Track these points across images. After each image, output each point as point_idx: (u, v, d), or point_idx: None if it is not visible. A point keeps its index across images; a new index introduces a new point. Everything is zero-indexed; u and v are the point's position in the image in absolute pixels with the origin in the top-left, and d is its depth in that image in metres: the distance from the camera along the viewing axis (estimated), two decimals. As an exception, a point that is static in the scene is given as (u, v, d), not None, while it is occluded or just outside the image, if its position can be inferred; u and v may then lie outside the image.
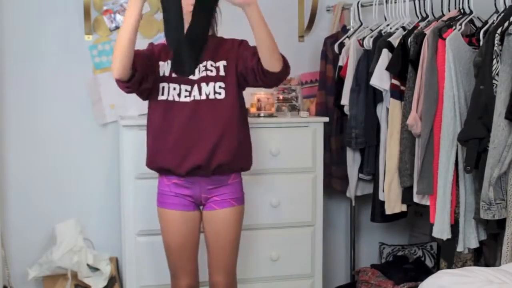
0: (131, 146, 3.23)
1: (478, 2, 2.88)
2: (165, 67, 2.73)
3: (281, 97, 3.62)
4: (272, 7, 3.72)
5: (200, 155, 2.68)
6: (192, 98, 2.69)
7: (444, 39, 2.78)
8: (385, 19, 3.40)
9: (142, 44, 3.51)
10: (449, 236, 2.85)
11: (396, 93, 3.11)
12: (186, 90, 2.69)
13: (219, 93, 2.70)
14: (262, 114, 3.45)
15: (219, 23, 2.84)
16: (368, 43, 3.36)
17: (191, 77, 2.68)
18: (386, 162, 3.19)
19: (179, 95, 2.69)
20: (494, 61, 2.56)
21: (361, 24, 3.58)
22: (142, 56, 2.68)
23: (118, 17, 3.52)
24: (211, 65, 2.71)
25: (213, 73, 2.70)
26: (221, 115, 2.69)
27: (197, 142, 2.68)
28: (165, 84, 2.71)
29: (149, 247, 3.28)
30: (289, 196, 3.43)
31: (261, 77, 2.65)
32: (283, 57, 2.69)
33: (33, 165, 3.50)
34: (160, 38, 3.56)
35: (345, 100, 3.43)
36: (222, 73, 2.71)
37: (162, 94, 2.71)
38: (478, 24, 2.89)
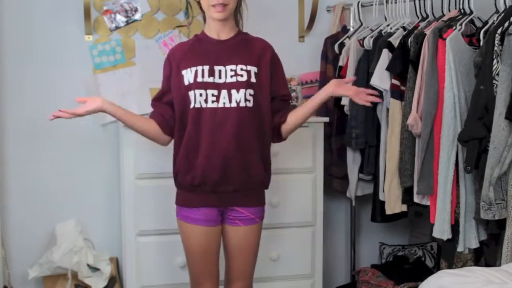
0: (131, 146, 3.23)
1: (478, 2, 2.88)
2: (188, 74, 2.63)
3: (281, 97, 3.62)
4: (272, 7, 3.73)
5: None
6: (221, 104, 2.60)
7: (445, 39, 2.78)
8: (385, 19, 3.40)
9: (143, 44, 3.55)
10: (449, 236, 2.85)
11: (396, 93, 3.11)
12: (213, 95, 2.61)
13: (249, 101, 2.62)
14: (262, 114, 3.45)
15: (245, 19, 2.78)
16: (368, 43, 3.36)
17: (218, 80, 2.61)
18: (386, 162, 3.19)
19: (206, 101, 2.61)
20: (494, 61, 2.56)
21: (361, 24, 3.58)
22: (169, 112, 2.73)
23: (118, 17, 3.52)
24: (241, 69, 2.62)
25: (244, 78, 2.62)
26: (260, 123, 2.68)
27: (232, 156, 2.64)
28: (191, 92, 2.62)
29: (149, 247, 3.28)
30: (289, 196, 3.43)
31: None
32: None
33: (33, 165, 3.50)
34: (160, 38, 3.57)
35: (345, 100, 3.43)
36: (253, 79, 2.63)
37: (194, 102, 2.62)
38: (478, 24, 2.89)
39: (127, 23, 3.54)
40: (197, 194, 2.67)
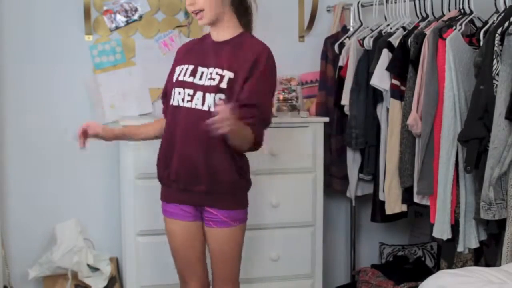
0: (131, 146, 3.23)
1: (478, 2, 2.88)
2: (177, 72, 2.65)
3: (281, 97, 3.62)
4: (272, 7, 3.73)
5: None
6: (194, 105, 2.56)
7: (445, 39, 2.78)
8: (385, 19, 3.40)
9: (143, 44, 3.55)
10: (449, 236, 2.85)
11: (396, 93, 3.11)
12: (188, 95, 2.58)
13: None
14: (262, 114, 3.44)
15: (255, 18, 2.70)
16: (368, 43, 3.36)
17: (197, 81, 2.57)
18: (386, 162, 3.19)
19: (183, 99, 2.59)
20: (494, 61, 2.56)
21: (361, 24, 3.58)
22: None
23: (118, 17, 3.52)
24: (216, 73, 2.56)
25: (215, 83, 2.55)
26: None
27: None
28: (173, 89, 2.63)
29: (149, 247, 3.28)
30: (289, 196, 3.43)
31: None
32: (256, 136, 2.54)
33: (33, 165, 3.50)
34: (160, 38, 3.57)
35: (345, 100, 3.43)
36: (223, 85, 2.54)
37: (173, 99, 2.63)
38: (478, 24, 2.89)
39: (127, 23, 3.54)
40: (174, 189, 2.66)
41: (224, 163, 2.57)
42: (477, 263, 2.98)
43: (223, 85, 2.53)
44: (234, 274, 2.74)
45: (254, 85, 2.53)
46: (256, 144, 2.58)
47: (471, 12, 2.89)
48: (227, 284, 2.73)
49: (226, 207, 2.61)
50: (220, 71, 2.55)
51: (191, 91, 2.58)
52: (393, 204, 3.19)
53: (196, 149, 2.56)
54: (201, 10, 2.56)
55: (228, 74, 2.54)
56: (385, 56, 3.15)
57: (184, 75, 2.61)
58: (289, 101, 3.62)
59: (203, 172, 2.57)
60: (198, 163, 2.57)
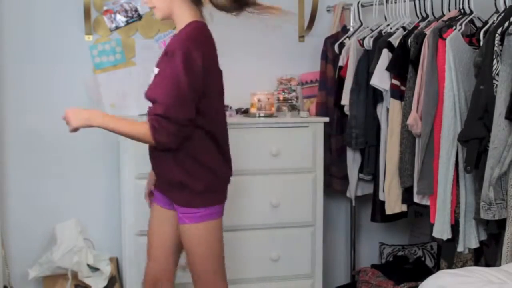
0: (131, 146, 3.23)
1: (478, 2, 2.88)
2: None
3: (281, 97, 3.62)
4: (272, 7, 3.73)
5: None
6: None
7: (445, 39, 2.78)
8: (385, 19, 3.40)
9: (143, 44, 3.55)
10: (449, 236, 2.85)
11: (396, 93, 3.11)
12: None
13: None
14: (262, 114, 3.45)
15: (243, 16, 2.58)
16: (368, 43, 3.36)
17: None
18: (386, 162, 3.19)
19: None
20: (494, 61, 2.56)
21: (361, 24, 3.58)
22: None
23: (118, 17, 3.52)
24: (153, 71, 2.54)
25: (149, 80, 2.55)
26: None
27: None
28: None
29: (149, 247, 3.28)
30: (289, 196, 3.43)
31: None
32: (154, 128, 2.42)
33: (33, 165, 3.50)
34: (160, 38, 3.57)
35: (345, 100, 3.43)
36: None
37: None
38: (478, 24, 2.89)
39: (127, 23, 3.54)
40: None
41: (165, 162, 2.56)
42: (477, 263, 2.98)
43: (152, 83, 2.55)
44: (205, 274, 2.62)
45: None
46: (158, 143, 2.45)
47: (471, 12, 2.89)
48: (201, 283, 2.65)
49: (181, 204, 2.57)
50: (154, 68, 2.55)
51: None
52: (393, 204, 3.19)
53: (149, 147, 2.62)
54: (153, 6, 2.55)
55: (155, 71, 2.53)
56: (385, 56, 3.15)
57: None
58: (289, 101, 3.62)
59: (155, 168, 2.65)
60: (151, 159, 2.65)
